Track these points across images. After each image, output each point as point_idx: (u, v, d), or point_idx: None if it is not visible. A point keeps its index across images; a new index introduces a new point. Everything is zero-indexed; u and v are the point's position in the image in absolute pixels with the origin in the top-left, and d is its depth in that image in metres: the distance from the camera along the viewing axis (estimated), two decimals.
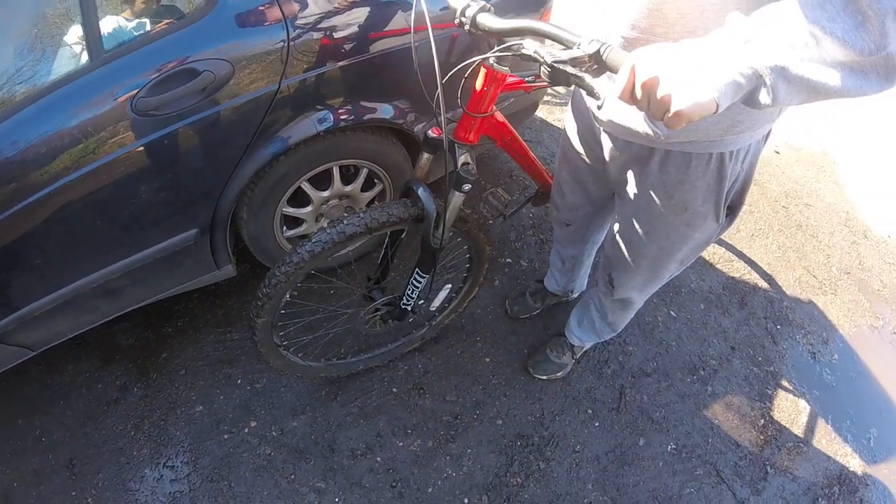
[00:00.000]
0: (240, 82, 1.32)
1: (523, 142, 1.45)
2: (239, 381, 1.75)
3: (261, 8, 1.31)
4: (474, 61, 0.99)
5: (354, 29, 1.42)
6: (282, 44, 1.33)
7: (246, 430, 1.68)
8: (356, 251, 1.96)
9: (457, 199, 1.24)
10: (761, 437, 1.97)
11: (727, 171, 1.01)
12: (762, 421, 2.01)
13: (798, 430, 2.02)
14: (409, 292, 1.50)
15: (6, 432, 1.71)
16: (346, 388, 1.76)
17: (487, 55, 0.95)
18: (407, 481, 1.64)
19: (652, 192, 1.10)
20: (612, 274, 1.39)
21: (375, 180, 1.80)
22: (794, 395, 2.11)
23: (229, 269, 1.70)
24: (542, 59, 0.76)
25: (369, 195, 1.81)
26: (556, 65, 0.74)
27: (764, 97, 0.62)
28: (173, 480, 1.62)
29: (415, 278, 1.45)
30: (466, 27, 0.91)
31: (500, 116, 1.31)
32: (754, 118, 0.90)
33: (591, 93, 0.72)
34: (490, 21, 0.88)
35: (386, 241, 1.49)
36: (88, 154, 1.23)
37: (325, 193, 1.70)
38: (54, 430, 1.71)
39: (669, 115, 0.61)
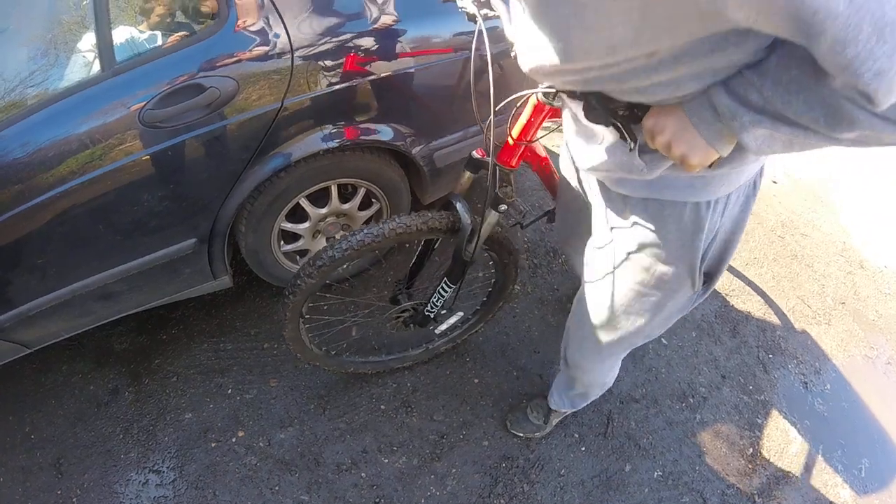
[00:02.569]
0: (244, 99, 1.39)
1: (551, 164, 1.52)
2: (229, 390, 1.79)
3: (267, 29, 1.38)
4: (526, 94, 1.07)
5: (358, 52, 1.48)
6: (286, 64, 1.40)
7: (233, 440, 1.71)
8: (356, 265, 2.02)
9: (492, 217, 1.30)
10: (750, 466, 1.98)
11: (703, 222, 0.96)
12: (751, 450, 2.02)
13: (788, 460, 2.03)
14: (435, 300, 1.55)
15: None
16: (335, 402, 1.80)
17: (538, 90, 1.03)
18: (390, 498, 1.67)
19: (623, 244, 1.06)
20: (568, 350, 1.39)
21: (373, 199, 1.85)
22: (785, 424, 2.12)
23: (226, 279, 1.75)
24: (591, 100, 0.83)
25: (366, 214, 1.86)
26: (602, 105, 0.82)
27: (751, 144, 0.72)
28: (158, 485, 1.65)
29: (442, 287, 1.50)
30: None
31: (540, 146, 1.37)
32: (735, 171, 0.91)
33: (629, 135, 0.81)
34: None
35: (419, 248, 1.55)
36: (95, 160, 1.30)
37: (323, 210, 1.75)
38: (44, 428, 1.75)
39: (683, 165, 0.78)
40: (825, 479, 2.03)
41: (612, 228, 1.08)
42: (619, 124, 0.83)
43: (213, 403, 1.76)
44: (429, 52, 1.62)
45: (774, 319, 2.40)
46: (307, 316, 1.55)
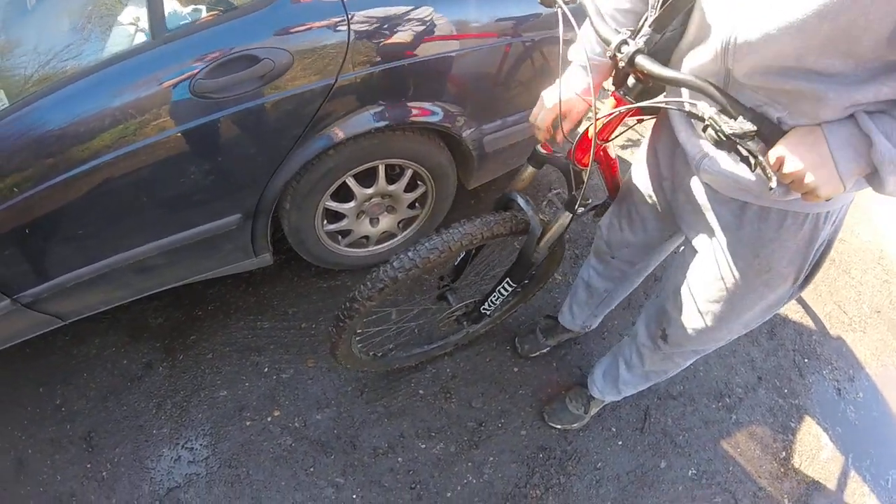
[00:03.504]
0: (298, 73, 1.30)
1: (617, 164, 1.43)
2: (266, 369, 1.73)
3: (326, 4, 1.30)
4: (635, 107, 0.96)
5: (415, 30, 1.40)
6: (342, 39, 1.31)
7: (269, 419, 1.66)
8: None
9: (564, 219, 1.21)
10: (781, 470, 1.93)
11: (819, 232, 0.97)
12: (783, 453, 1.97)
13: (819, 466, 1.98)
14: (494, 298, 1.48)
15: (26, 398, 1.70)
16: (373, 386, 1.74)
17: (649, 104, 0.93)
18: (426, 484, 1.61)
19: (737, 249, 1.05)
20: (668, 330, 1.31)
21: (419, 181, 1.78)
22: (817, 430, 2.06)
23: (266, 257, 1.68)
24: (718, 127, 0.75)
25: (412, 196, 1.79)
26: (733, 138, 0.74)
27: (879, 187, 0.74)
28: (191, 462, 1.61)
29: (503, 286, 1.43)
30: (621, 64, 0.88)
31: (612, 150, 1.29)
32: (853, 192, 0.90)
33: (764, 172, 0.73)
34: (650, 65, 0.84)
35: None
36: (140, 130, 1.23)
37: (370, 191, 1.68)
38: (75, 401, 1.70)
39: (807, 195, 0.76)
40: (853, 487, 1.98)
41: (718, 231, 1.07)
42: (745, 153, 0.75)
43: (248, 382, 1.70)
44: (488, 34, 1.53)
45: (811, 324, 2.33)
46: (360, 331, 1.48)
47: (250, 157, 1.41)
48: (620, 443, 1.81)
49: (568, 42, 1.09)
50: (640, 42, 0.86)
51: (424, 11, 1.41)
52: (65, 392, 1.71)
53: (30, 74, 1.25)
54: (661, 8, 0.89)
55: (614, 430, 1.82)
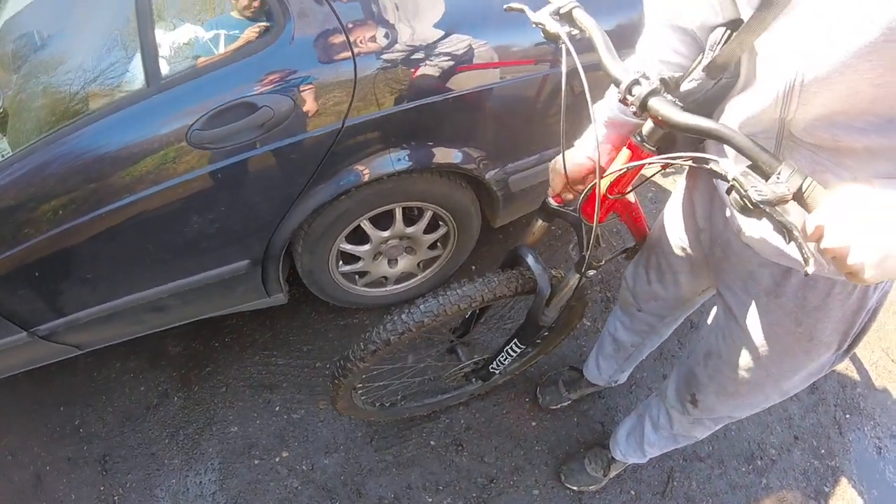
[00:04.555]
0: (301, 119, 1.13)
1: (640, 210, 1.20)
2: (277, 408, 1.59)
3: (328, 41, 1.09)
4: (650, 162, 0.76)
5: (426, 68, 1.19)
6: (348, 80, 1.11)
7: (277, 460, 1.53)
8: None
9: (573, 280, 1.02)
10: None
11: (868, 301, 0.80)
12: None
13: None
14: (502, 358, 1.31)
15: (47, 416, 1.64)
16: (384, 433, 1.58)
17: (666, 158, 0.71)
18: None
19: (777, 316, 0.87)
20: (698, 395, 1.13)
21: (440, 222, 1.57)
22: (853, 493, 1.80)
23: (280, 297, 1.53)
24: (744, 192, 0.56)
25: (432, 237, 1.58)
26: (762, 206, 0.54)
27: None
28: (199, 496, 1.51)
29: (512, 347, 1.25)
30: (632, 107, 0.68)
31: (632, 196, 1.07)
32: None
33: (800, 250, 0.54)
34: (668, 110, 0.64)
35: None
36: (140, 181, 1.10)
37: (386, 234, 1.48)
38: (93, 423, 1.63)
39: (853, 277, 0.55)
40: None
41: (758, 296, 0.89)
42: (787, 230, 0.55)
43: (259, 419, 1.57)
44: (505, 64, 1.29)
45: (855, 375, 2.03)
46: (359, 386, 1.33)
47: (253, 206, 1.25)
48: None
49: (570, 78, 0.85)
50: (655, 82, 0.67)
51: (443, 44, 1.19)
52: (84, 413, 1.63)
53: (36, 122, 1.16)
54: (720, 47, 0.69)
55: (633, 492, 1.61)
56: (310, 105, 1.11)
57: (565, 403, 1.69)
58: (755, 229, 0.79)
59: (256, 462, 1.54)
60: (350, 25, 1.10)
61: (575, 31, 0.79)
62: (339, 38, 1.09)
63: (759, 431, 1.80)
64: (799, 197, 0.54)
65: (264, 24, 1.10)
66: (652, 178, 1.00)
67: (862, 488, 1.82)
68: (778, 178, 0.54)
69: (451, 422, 1.64)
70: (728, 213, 0.87)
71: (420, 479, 1.53)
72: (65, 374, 1.66)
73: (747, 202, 0.56)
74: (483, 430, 1.63)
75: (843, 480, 1.82)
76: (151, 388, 1.63)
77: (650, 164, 0.75)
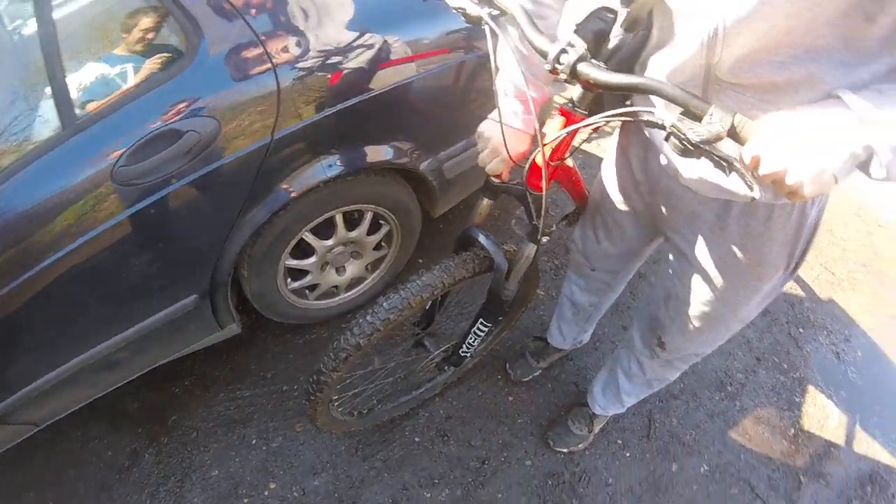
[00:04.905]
0: (229, 139, 1.14)
1: (580, 175, 1.28)
2: (254, 440, 1.59)
3: (245, 55, 1.12)
4: (586, 124, 0.82)
5: (352, 65, 1.24)
6: (271, 92, 1.14)
7: (266, 493, 1.52)
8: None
9: (529, 251, 1.07)
10: (793, 447, 1.83)
11: (807, 218, 0.89)
12: (792, 430, 1.87)
13: (828, 435, 1.89)
14: (471, 340, 1.35)
15: None
16: (367, 441, 1.60)
17: (600, 118, 0.77)
18: None
19: (726, 248, 0.96)
20: (664, 338, 1.20)
21: (381, 222, 1.62)
22: (822, 399, 1.96)
23: (233, 327, 1.53)
24: (682, 136, 0.62)
25: (376, 238, 1.63)
26: (702, 146, 0.61)
27: (876, 171, 0.59)
28: None
29: (478, 328, 1.30)
30: (562, 75, 0.74)
31: (570, 161, 1.14)
32: None
33: (744, 179, 0.61)
34: (597, 73, 0.70)
35: None
36: (69, 231, 1.06)
37: (329, 242, 1.52)
38: (67, 501, 1.55)
39: (791, 196, 0.62)
40: (865, 447, 1.90)
41: (702, 232, 0.97)
42: (717, 159, 0.62)
43: (238, 456, 1.56)
44: (423, 55, 1.37)
45: (800, 292, 2.22)
46: (335, 398, 1.35)
47: (193, 237, 1.25)
48: (628, 454, 1.69)
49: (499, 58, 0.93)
50: (581, 48, 0.72)
51: (359, 45, 1.25)
52: (56, 494, 1.55)
53: None
54: (633, 3, 0.76)
55: (620, 442, 1.71)
56: (236, 123, 1.12)
57: (536, 373, 1.76)
58: (692, 171, 0.86)
59: (245, 501, 1.52)
60: (265, 37, 1.12)
61: (496, 12, 0.84)
62: (256, 51, 1.11)
63: (723, 360, 1.94)
64: (732, 133, 0.60)
65: (164, 55, 1.12)
66: (581, 145, 1.09)
67: (830, 391, 1.98)
68: (710, 119, 0.60)
69: (431, 415, 1.67)
70: (664, 161, 0.93)
71: (413, 477, 1.56)
72: (23, 457, 1.59)
73: (687, 144, 0.62)
74: (464, 416, 1.68)
75: (811, 388, 1.98)
76: (119, 451, 1.58)
77: (590, 125, 0.80)
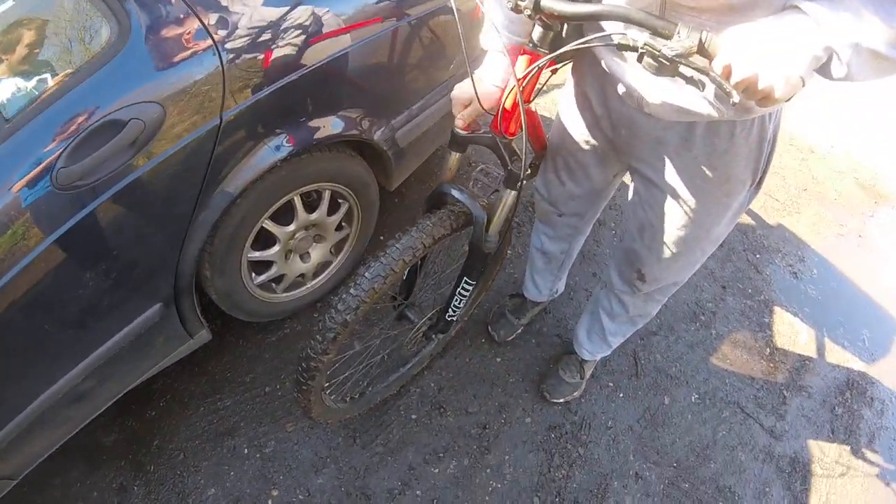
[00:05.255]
0: (175, 124, 1.10)
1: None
2: (245, 450, 1.54)
3: (184, 34, 1.09)
4: (550, 57, 0.85)
5: (294, 38, 1.23)
6: (216, 68, 1.12)
7: (269, 502, 1.48)
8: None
9: (509, 198, 1.09)
10: (771, 365, 1.97)
11: (767, 132, 0.95)
12: (768, 350, 2.01)
13: (800, 350, 2.04)
14: (456, 302, 1.35)
15: None
16: (363, 428, 1.59)
17: (574, 46, 0.79)
18: None
19: (693, 169, 1.01)
20: (643, 269, 1.25)
21: (339, 200, 1.61)
22: (789, 317, 2.12)
23: (204, 334, 1.48)
24: (658, 52, 0.65)
25: (336, 218, 1.62)
26: (677, 59, 0.64)
27: (837, 70, 0.67)
28: None
29: (463, 287, 1.31)
30: (526, 12, 0.77)
31: (532, 106, 1.17)
32: None
33: (721, 87, 0.65)
34: (561, 6, 0.74)
35: None
36: (11, 252, 0.98)
37: (291, 227, 1.50)
38: None
39: (763, 101, 0.66)
40: (837, 357, 2.06)
41: (669, 157, 1.02)
42: (690, 73, 0.66)
43: (233, 470, 1.51)
44: (365, 23, 1.38)
45: (750, 220, 2.38)
46: (326, 385, 1.33)
47: (150, 238, 1.20)
48: (622, 395, 1.77)
49: (462, 19, 0.97)
50: None
51: (299, 13, 1.23)
52: None
53: None
54: None
55: (611, 385, 1.78)
56: (182, 106, 1.08)
57: (519, 331, 1.80)
58: (656, 95, 0.90)
59: None
60: (202, 11, 1.09)
61: None
62: (194, 26, 1.07)
63: (692, 293, 2.05)
64: (701, 48, 0.64)
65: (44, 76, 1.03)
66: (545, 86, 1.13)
67: (794, 309, 2.14)
68: (679, 36, 0.64)
69: (423, 390, 1.68)
70: (622, 91, 0.97)
71: (418, 455, 1.56)
72: None
73: (662, 60, 0.65)
74: (456, 385, 1.70)
75: (777, 309, 2.12)
76: (105, 489, 1.48)
77: (561, 54, 0.83)
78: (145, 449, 1.53)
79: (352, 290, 1.08)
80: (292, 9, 1.22)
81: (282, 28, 1.21)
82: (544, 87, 1.04)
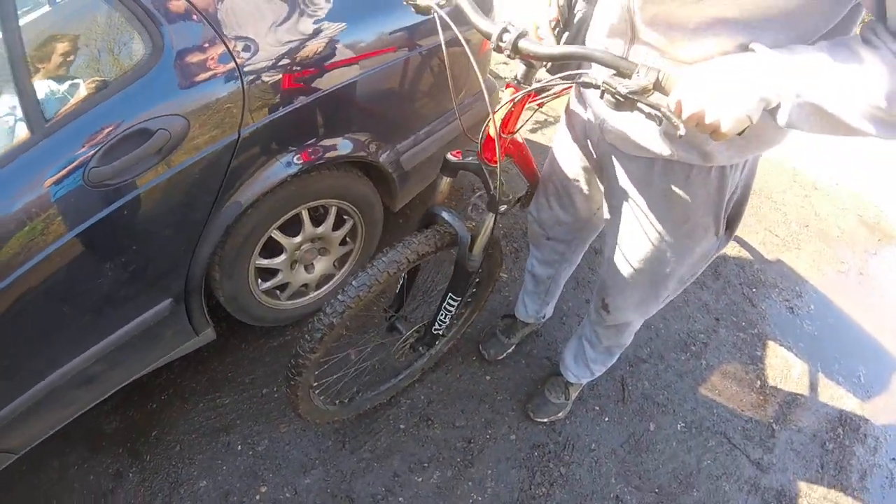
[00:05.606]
0: (198, 136, 1.25)
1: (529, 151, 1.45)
2: (239, 446, 1.66)
3: (210, 55, 1.25)
4: (526, 91, 0.97)
5: (312, 63, 1.39)
6: (237, 91, 1.27)
7: (257, 497, 1.59)
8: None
9: (489, 220, 1.22)
10: (761, 398, 2.03)
11: (727, 181, 1.00)
12: (758, 382, 2.07)
13: (793, 384, 2.10)
14: (442, 317, 1.47)
15: None
16: (353, 433, 1.70)
17: (542, 84, 0.92)
18: None
19: (653, 203, 1.08)
20: (607, 299, 1.35)
21: (345, 217, 1.75)
22: (782, 351, 2.18)
23: (209, 332, 1.62)
24: (614, 90, 0.75)
25: (341, 233, 1.76)
26: (631, 96, 0.74)
27: (780, 116, 0.71)
28: None
29: (448, 303, 1.42)
30: (506, 52, 0.88)
31: (519, 136, 1.30)
32: (763, 142, 0.93)
33: (671, 122, 0.73)
34: (535, 47, 0.85)
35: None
36: (39, 238, 1.12)
37: (297, 239, 1.64)
38: None
39: (713, 135, 0.72)
40: (830, 392, 2.10)
41: (634, 192, 1.10)
42: (647, 109, 0.75)
43: (225, 464, 1.63)
44: (378, 52, 1.53)
45: (748, 255, 2.47)
46: (315, 384, 1.45)
47: (167, 238, 1.34)
48: (607, 419, 1.85)
49: (450, 46, 1.10)
50: (520, 27, 0.87)
51: (317, 42, 1.39)
52: None
53: None
54: None
55: (598, 408, 1.86)
56: (204, 120, 1.23)
57: (510, 350, 1.90)
58: (616, 125, 1.00)
59: None
60: (227, 36, 1.24)
61: (443, 2, 0.99)
62: (220, 50, 1.23)
63: (684, 323, 2.14)
64: (657, 85, 0.74)
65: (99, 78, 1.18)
66: (530, 121, 1.26)
67: (789, 344, 2.20)
68: (637, 75, 0.74)
69: (413, 401, 1.79)
70: (597, 122, 1.07)
71: (403, 464, 1.66)
72: (1, 487, 1.61)
73: (618, 97, 0.75)
74: (445, 399, 1.80)
75: (770, 343, 2.19)
76: (102, 474, 1.61)
77: (533, 91, 0.96)
78: (144, 438, 1.66)
79: (339, 297, 1.21)
80: (311, 37, 1.38)
81: (300, 54, 1.36)
82: (549, 119, 1.17)
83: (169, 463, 1.63)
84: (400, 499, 1.60)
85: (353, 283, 1.21)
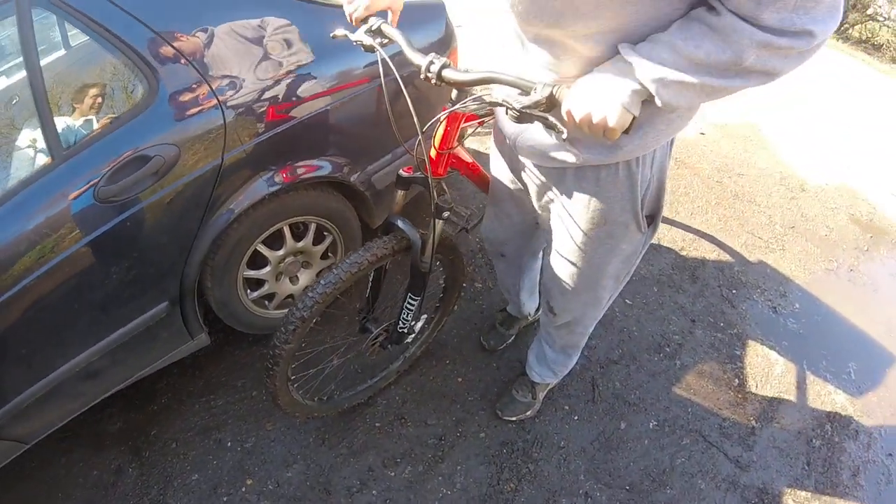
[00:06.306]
0: (188, 161, 1.54)
1: (478, 164, 1.69)
2: (229, 443, 1.91)
3: (196, 94, 1.56)
4: (448, 112, 1.20)
5: (286, 95, 1.68)
6: (219, 123, 1.56)
7: (243, 489, 1.82)
8: None
9: (439, 226, 1.45)
10: (739, 397, 2.15)
11: (637, 177, 1.12)
12: (737, 381, 2.19)
13: (776, 381, 2.20)
14: (404, 316, 1.69)
15: None
16: (332, 430, 1.93)
17: (459, 105, 1.15)
18: None
19: (571, 209, 1.22)
20: (551, 301, 1.53)
21: (325, 232, 2.03)
22: (764, 350, 2.29)
23: (203, 337, 1.89)
24: (510, 106, 0.95)
25: (321, 248, 2.03)
26: (524, 110, 0.94)
27: (657, 101, 0.86)
28: None
29: (408, 302, 1.64)
30: (433, 81, 1.08)
31: (462, 150, 1.54)
32: (659, 131, 1.06)
33: (556, 128, 0.92)
34: (455, 75, 1.06)
35: (372, 274, 1.68)
36: (57, 246, 1.42)
37: (280, 252, 1.92)
38: None
39: (606, 133, 0.88)
40: (817, 390, 2.20)
41: (554, 200, 1.26)
42: (544, 119, 0.94)
43: (216, 459, 1.88)
44: (347, 85, 1.83)
45: (729, 258, 2.62)
46: (293, 377, 1.68)
47: (163, 246, 1.62)
48: (576, 417, 2.02)
49: (390, 82, 1.36)
50: (443, 59, 1.08)
51: (294, 77, 1.68)
52: None
53: None
54: None
55: (567, 407, 2.04)
56: (193, 148, 1.53)
57: (509, 340, 2.15)
58: (524, 138, 1.18)
59: (225, 499, 1.81)
60: (211, 78, 1.55)
61: (385, 41, 1.24)
62: (205, 90, 1.53)
63: (658, 325, 2.31)
64: (551, 99, 0.92)
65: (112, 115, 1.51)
66: (474, 135, 1.49)
67: (771, 342, 2.32)
68: (535, 92, 0.93)
69: (388, 401, 2.00)
70: (511, 139, 1.24)
71: (377, 459, 1.87)
72: (12, 484, 1.87)
73: (514, 111, 0.95)
74: (418, 399, 2.01)
75: (751, 342, 2.32)
76: (104, 469, 1.88)
77: (452, 111, 1.18)
78: (144, 437, 1.92)
79: (309, 293, 1.46)
80: (288, 73, 1.68)
81: (278, 88, 1.66)
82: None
83: (165, 458, 1.88)
84: (374, 491, 1.81)
85: (321, 281, 1.46)
